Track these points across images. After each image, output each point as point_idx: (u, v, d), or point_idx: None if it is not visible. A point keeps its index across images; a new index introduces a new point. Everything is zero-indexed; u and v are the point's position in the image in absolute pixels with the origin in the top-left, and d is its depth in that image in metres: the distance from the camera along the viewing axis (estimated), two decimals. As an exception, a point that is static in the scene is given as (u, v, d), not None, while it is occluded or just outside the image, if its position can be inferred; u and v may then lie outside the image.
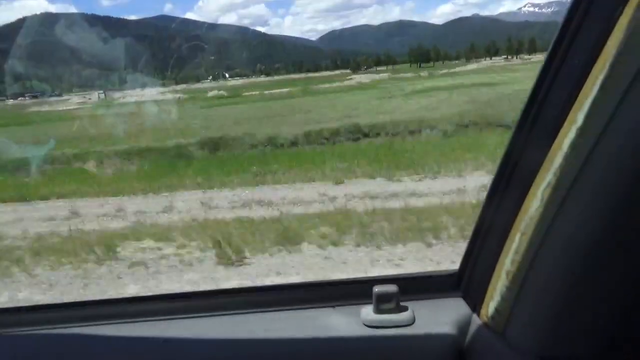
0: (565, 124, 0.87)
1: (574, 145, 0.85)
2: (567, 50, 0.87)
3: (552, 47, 0.90)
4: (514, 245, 1.00)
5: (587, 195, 0.87)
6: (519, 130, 1.00)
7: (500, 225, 1.06)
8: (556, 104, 0.90)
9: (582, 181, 0.86)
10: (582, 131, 0.83)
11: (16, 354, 1.29)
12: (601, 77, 0.79)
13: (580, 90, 0.84)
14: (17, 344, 1.31)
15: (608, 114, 0.80)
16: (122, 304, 1.49)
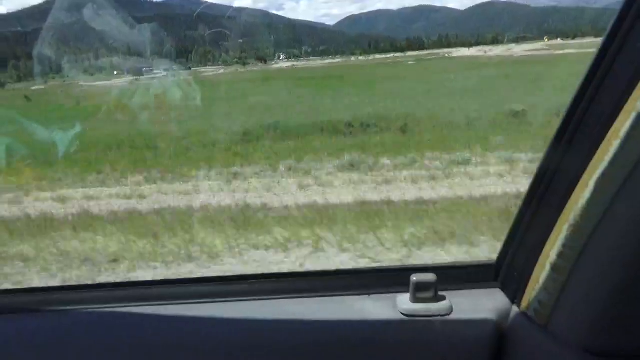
0: (623, 111, 0.82)
1: (632, 133, 0.80)
2: (627, 35, 0.82)
3: (610, 30, 0.85)
4: (562, 237, 0.97)
5: None
6: (571, 113, 0.95)
7: (546, 216, 1.03)
8: (614, 89, 0.85)
9: None
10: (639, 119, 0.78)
11: (57, 331, 1.34)
12: None
13: (636, 86, 0.79)
14: (59, 322, 1.36)
15: None
16: (158, 286, 1.50)
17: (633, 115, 0.79)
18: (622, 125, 0.81)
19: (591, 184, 0.87)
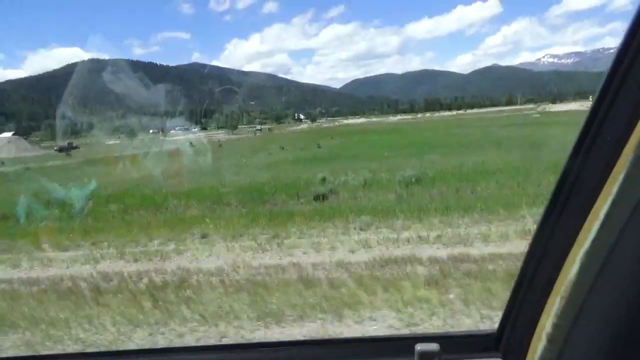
0: (601, 195, 0.88)
1: (610, 215, 0.86)
2: (602, 124, 0.87)
3: (590, 114, 0.90)
4: (554, 308, 1.00)
5: (626, 261, 0.88)
6: (555, 198, 1.01)
7: (540, 288, 1.07)
8: (592, 173, 0.91)
9: (620, 248, 0.87)
10: (616, 202, 0.85)
11: None
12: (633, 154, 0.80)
13: (614, 165, 0.85)
14: None
15: None
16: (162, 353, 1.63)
17: (609, 199, 0.86)
18: (600, 208, 0.87)
19: (578, 260, 0.93)
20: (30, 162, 36.00)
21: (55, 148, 49.78)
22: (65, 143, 48.11)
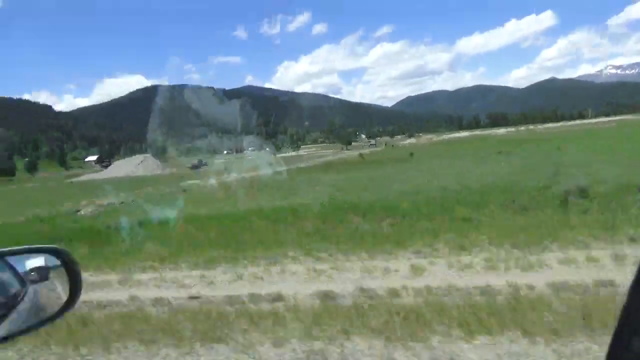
0: None
1: None
2: None
3: None
4: None
5: None
6: None
7: None
8: None
9: None
10: None
11: None
12: None
13: None
14: None
15: None
16: None
17: None
18: None
19: None
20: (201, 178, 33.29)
21: (187, 166, 54.12)
22: (196, 161, 52.23)
